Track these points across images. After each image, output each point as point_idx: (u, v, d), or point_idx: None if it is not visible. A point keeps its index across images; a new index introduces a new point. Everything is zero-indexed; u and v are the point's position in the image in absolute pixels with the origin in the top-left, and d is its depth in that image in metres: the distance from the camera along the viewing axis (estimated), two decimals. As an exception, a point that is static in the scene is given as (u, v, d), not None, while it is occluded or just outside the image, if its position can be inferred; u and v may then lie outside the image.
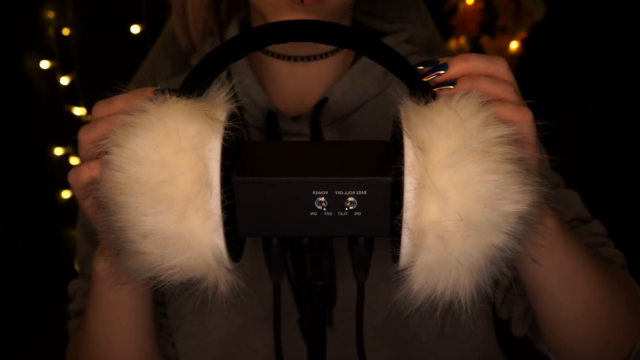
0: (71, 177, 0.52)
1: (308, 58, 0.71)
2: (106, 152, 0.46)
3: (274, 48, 0.71)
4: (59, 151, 2.13)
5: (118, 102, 0.50)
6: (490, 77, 0.48)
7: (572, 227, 0.72)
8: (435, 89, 0.47)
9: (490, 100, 0.46)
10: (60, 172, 2.14)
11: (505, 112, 0.47)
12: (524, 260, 0.58)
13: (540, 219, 0.51)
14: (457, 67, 0.48)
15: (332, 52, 0.72)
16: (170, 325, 0.73)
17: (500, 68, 0.49)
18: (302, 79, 0.72)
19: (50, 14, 2.04)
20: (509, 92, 0.48)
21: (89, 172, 0.51)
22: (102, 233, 0.56)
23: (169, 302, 0.73)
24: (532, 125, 0.48)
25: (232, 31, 0.74)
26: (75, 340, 0.73)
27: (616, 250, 0.74)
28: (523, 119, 0.48)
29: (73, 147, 2.12)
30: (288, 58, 0.71)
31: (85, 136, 0.51)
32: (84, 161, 0.53)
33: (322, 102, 0.70)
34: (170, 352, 0.74)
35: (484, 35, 2.08)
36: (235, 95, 0.49)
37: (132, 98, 0.49)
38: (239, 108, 0.70)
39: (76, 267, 0.79)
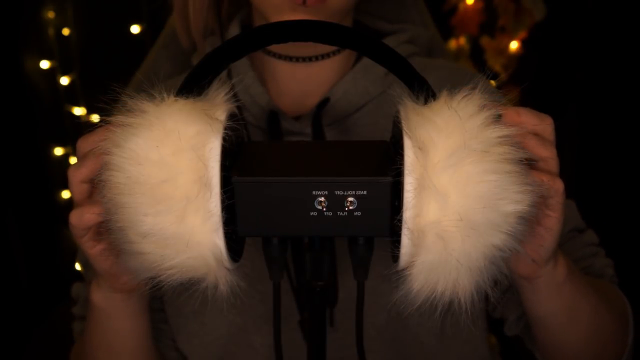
0: (73, 219, 0.52)
1: (310, 59, 0.71)
2: (106, 153, 0.46)
3: (276, 48, 0.71)
4: (59, 151, 2.13)
5: (101, 132, 0.50)
6: (537, 135, 0.50)
7: (570, 238, 0.73)
8: None
9: (530, 159, 0.48)
10: (60, 172, 2.14)
11: (541, 175, 0.48)
12: (529, 299, 0.60)
13: (555, 265, 0.54)
14: (510, 119, 0.48)
15: (333, 53, 0.71)
16: (172, 327, 0.73)
17: (548, 127, 0.50)
18: (303, 80, 0.72)
19: (50, 14, 2.04)
20: (551, 157, 0.50)
21: (92, 217, 0.51)
22: (98, 270, 0.56)
23: (169, 302, 0.73)
24: (562, 194, 0.50)
25: (234, 31, 0.74)
26: (79, 348, 0.74)
27: (607, 259, 0.75)
28: (555, 187, 0.49)
29: (73, 147, 2.12)
30: (290, 59, 0.71)
31: (75, 175, 0.52)
32: (78, 202, 0.53)
33: (324, 102, 0.70)
34: (171, 357, 0.74)
35: (484, 35, 2.08)
36: (235, 95, 0.49)
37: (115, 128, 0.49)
38: (240, 108, 0.70)
39: (79, 268, 0.79)
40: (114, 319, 0.63)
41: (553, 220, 0.51)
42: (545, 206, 0.50)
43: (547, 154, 0.50)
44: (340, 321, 0.68)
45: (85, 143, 0.52)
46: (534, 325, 0.64)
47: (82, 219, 0.52)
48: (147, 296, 0.63)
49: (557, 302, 0.59)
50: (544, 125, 0.50)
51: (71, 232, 0.54)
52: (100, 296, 0.61)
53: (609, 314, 0.65)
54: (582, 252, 0.73)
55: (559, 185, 0.50)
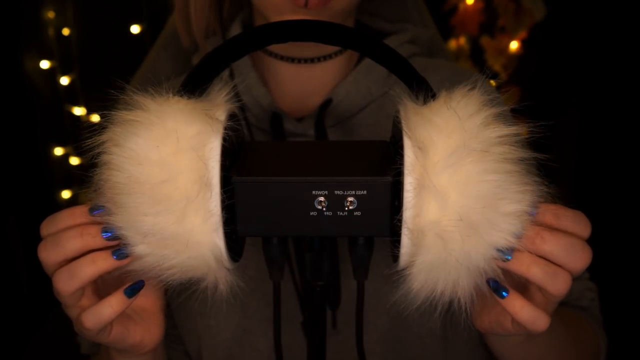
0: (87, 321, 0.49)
1: (312, 60, 0.71)
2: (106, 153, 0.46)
3: (278, 49, 0.71)
4: (59, 151, 2.13)
5: (65, 219, 0.48)
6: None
7: None
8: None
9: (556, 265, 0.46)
10: (60, 172, 2.14)
11: (559, 280, 0.46)
12: (492, 344, 0.59)
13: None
14: (546, 218, 0.46)
15: (335, 54, 0.71)
16: (179, 330, 0.73)
17: (585, 233, 0.47)
18: (305, 81, 0.72)
19: (50, 14, 2.04)
20: (580, 265, 0.46)
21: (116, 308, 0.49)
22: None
23: (177, 307, 0.73)
24: (564, 291, 0.47)
25: (235, 31, 0.73)
26: None
27: (589, 282, 0.74)
28: (561, 288, 0.46)
29: (73, 147, 2.12)
30: (292, 60, 0.71)
31: (46, 256, 0.49)
32: (55, 282, 0.50)
33: (327, 103, 0.70)
34: None
35: (484, 35, 2.08)
36: (237, 95, 0.49)
37: (76, 213, 0.48)
38: (242, 108, 0.70)
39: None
40: None
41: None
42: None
43: (575, 263, 0.46)
44: (342, 323, 0.68)
45: (48, 226, 0.49)
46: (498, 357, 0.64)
47: (100, 315, 0.49)
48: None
49: (525, 349, 0.59)
50: (579, 226, 0.46)
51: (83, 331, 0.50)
52: None
53: (576, 351, 0.65)
54: None
55: (565, 286, 0.46)
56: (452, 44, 2.09)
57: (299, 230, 0.47)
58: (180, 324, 0.73)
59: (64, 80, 2.08)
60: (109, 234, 0.47)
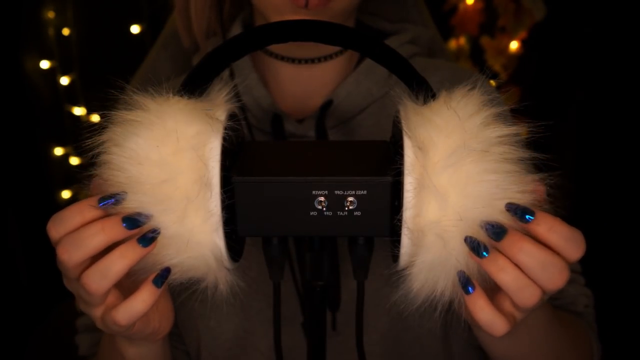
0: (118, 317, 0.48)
1: (312, 60, 0.71)
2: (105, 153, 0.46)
3: (278, 50, 0.71)
4: (59, 151, 2.13)
5: (75, 216, 0.46)
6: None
7: None
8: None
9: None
10: (60, 172, 2.14)
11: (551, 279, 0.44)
12: (483, 339, 0.58)
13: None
14: (538, 228, 0.44)
15: (336, 54, 0.71)
16: (181, 330, 0.73)
17: (574, 255, 0.45)
18: (306, 81, 0.72)
19: (50, 14, 2.04)
20: (552, 286, 0.45)
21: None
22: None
23: (178, 306, 0.73)
24: (530, 305, 0.46)
25: (235, 31, 0.73)
26: None
27: (584, 288, 0.73)
28: (527, 302, 0.45)
29: (73, 147, 2.12)
30: (292, 60, 0.71)
31: (68, 258, 0.46)
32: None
33: (327, 104, 0.70)
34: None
35: (484, 35, 2.08)
36: (237, 95, 0.49)
37: (85, 208, 0.46)
38: (242, 108, 0.70)
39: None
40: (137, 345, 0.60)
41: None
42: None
43: (557, 279, 0.44)
44: (342, 324, 0.68)
45: (56, 228, 0.47)
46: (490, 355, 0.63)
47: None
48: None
49: (517, 344, 0.58)
50: (571, 248, 0.44)
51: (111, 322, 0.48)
52: (137, 351, 0.57)
53: (569, 353, 0.64)
54: None
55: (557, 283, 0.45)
56: (452, 44, 2.09)
57: (299, 230, 0.47)
58: (180, 324, 0.73)
59: (64, 80, 2.07)
60: (131, 223, 0.44)
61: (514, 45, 2.06)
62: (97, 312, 0.49)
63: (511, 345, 0.58)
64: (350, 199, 0.45)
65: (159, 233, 0.44)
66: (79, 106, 2.11)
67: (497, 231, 0.43)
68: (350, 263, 0.52)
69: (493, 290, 0.47)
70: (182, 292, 0.50)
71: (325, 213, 0.46)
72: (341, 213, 0.46)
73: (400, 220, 0.44)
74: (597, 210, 1.95)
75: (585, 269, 0.74)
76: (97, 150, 0.46)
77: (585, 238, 0.45)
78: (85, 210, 0.45)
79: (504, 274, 0.44)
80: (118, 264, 0.45)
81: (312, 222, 0.46)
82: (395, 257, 0.47)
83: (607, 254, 1.83)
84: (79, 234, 0.45)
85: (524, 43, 2.06)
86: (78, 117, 2.10)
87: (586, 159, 2.10)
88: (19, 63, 2.06)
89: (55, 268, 0.49)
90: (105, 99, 0.48)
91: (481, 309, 0.45)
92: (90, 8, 2.04)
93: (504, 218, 0.44)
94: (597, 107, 2.09)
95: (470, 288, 0.45)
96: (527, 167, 0.45)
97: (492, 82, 0.70)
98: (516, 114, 0.50)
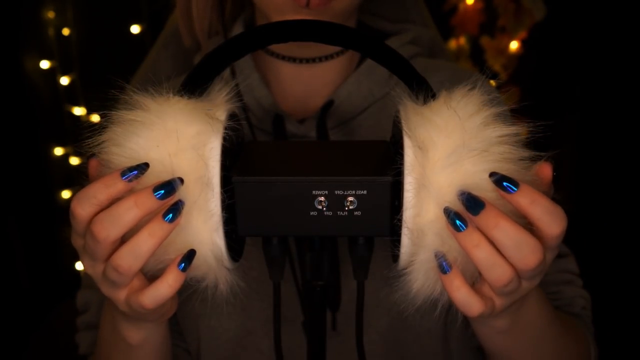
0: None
1: (313, 60, 0.71)
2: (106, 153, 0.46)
3: (279, 49, 0.71)
4: (59, 151, 2.13)
5: (102, 191, 0.44)
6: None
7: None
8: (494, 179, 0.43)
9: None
10: (60, 172, 2.14)
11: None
12: (479, 331, 0.58)
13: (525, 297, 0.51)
14: (520, 200, 0.43)
15: (337, 54, 0.71)
16: (182, 329, 0.73)
17: (553, 230, 0.44)
18: (307, 81, 0.72)
19: (50, 14, 2.04)
20: (523, 266, 0.44)
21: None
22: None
23: (180, 305, 0.72)
24: (501, 284, 0.46)
25: (237, 31, 0.73)
26: None
27: (582, 290, 0.73)
28: (497, 280, 0.45)
29: (73, 147, 2.12)
30: (293, 60, 0.71)
31: (107, 235, 0.44)
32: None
33: (328, 105, 0.70)
34: (183, 358, 0.74)
35: (484, 35, 2.08)
36: (238, 95, 0.49)
37: (109, 183, 0.44)
38: (244, 108, 0.70)
39: (81, 274, 0.76)
40: (152, 345, 0.59)
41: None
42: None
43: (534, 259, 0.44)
44: (342, 324, 0.68)
45: (82, 206, 0.45)
46: (487, 352, 0.63)
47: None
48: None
49: (515, 340, 0.58)
50: (552, 227, 0.44)
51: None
52: (141, 334, 0.57)
53: (566, 352, 0.64)
54: (554, 276, 0.71)
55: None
56: (452, 44, 2.09)
57: (299, 230, 0.47)
58: (181, 323, 0.73)
59: (64, 80, 2.08)
60: (162, 192, 0.43)
61: (514, 45, 2.06)
62: (121, 295, 0.49)
63: (509, 342, 0.58)
64: (351, 198, 0.45)
65: (184, 204, 0.44)
66: (79, 106, 2.11)
67: (472, 204, 0.42)
68: (350, 263, 0.52)
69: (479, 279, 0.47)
70: (182, 292, 0.50)
71: (325, 213, 0.46)
72: (341, 213, 0.46)
73: (400, 220, 0.44)
74: (597, 210, 1.95)
75: (584, 269, 0.74)
76: (97, 150, 0.46)
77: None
78: (111, 185, 0.44)
79: (478, 250, 0.43)
80: (148, 242, 0.44)
81: (312, 222, 0.46)
82: (395, 257, 0.47)
83: (607, 254, 1.83)
84: (114, 210, 0.44)
85: (524, 43, 2.07)
86: (78, 117, 2.10)
87: (586, 158, 2.10)
88: (19, 63, 2.06)
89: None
90: (105, 99, 0.48)
91: (457, 288, 0.45)
92: (90, 8, 2.04)
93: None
94: (596, 107, 2.09)
95: (447, 269, 0.45)
96: (526, 167, 0.45)
97: (492, 82, 0.70)
98: (516, 114, 0.50)
